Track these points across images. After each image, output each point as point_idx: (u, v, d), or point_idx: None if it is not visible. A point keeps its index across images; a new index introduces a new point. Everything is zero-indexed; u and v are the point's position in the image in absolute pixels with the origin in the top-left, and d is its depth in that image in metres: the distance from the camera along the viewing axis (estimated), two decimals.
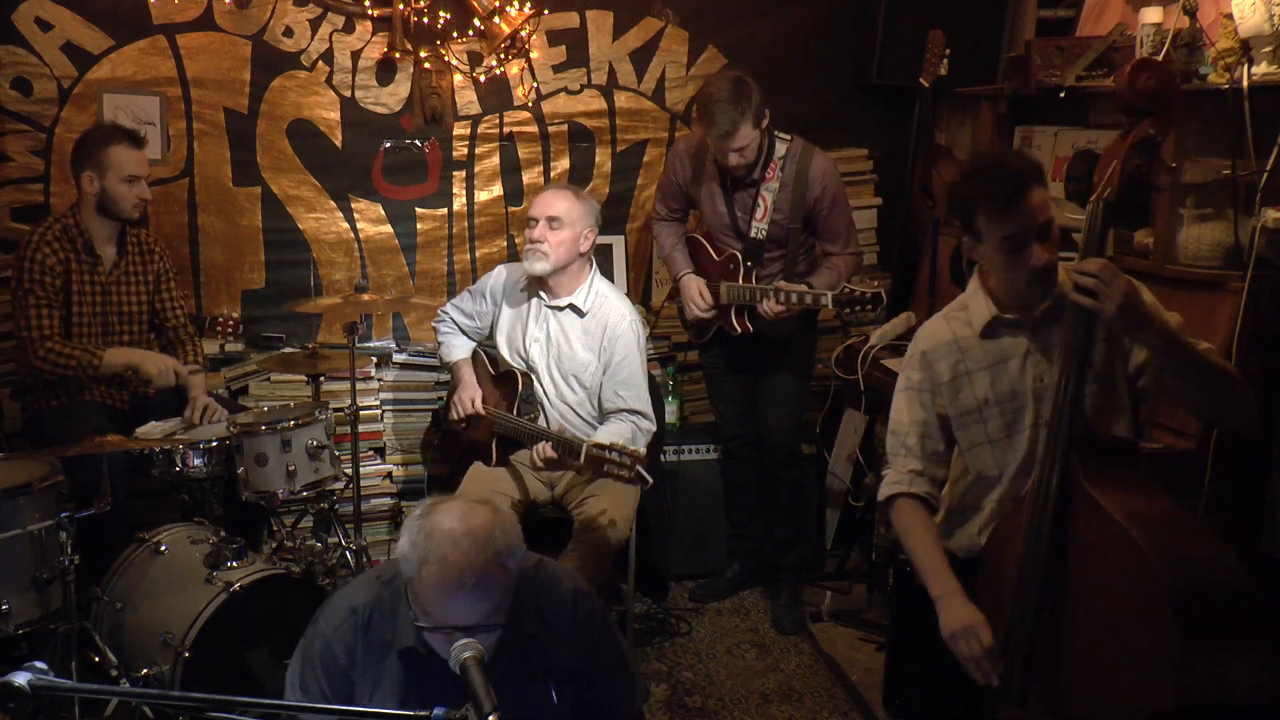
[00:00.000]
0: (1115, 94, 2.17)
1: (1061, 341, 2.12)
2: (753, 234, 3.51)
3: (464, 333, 3.55)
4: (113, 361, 3.31)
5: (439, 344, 3.60)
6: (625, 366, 3.27)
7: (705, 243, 3.68)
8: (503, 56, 4.03)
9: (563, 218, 3.21)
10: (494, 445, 3.34)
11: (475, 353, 3.54)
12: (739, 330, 3.52)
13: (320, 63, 3.96)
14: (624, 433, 3.20)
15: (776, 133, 3.49)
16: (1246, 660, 1.79)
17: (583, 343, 3.31)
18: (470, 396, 3.38)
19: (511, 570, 1.82)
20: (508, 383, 3.37)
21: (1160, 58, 3.08)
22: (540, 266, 3.24)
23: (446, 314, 3.57)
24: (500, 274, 3.50)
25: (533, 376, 3.36)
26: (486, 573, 1.75)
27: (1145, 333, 2.04)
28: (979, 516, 2.35)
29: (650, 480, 2.86)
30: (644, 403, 3.27)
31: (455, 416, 3.40)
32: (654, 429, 3.33)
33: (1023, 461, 2.26)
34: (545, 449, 3.07)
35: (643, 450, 2.93)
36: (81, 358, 3.26)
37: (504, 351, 3.44)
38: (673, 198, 3.77)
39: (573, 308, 3.31)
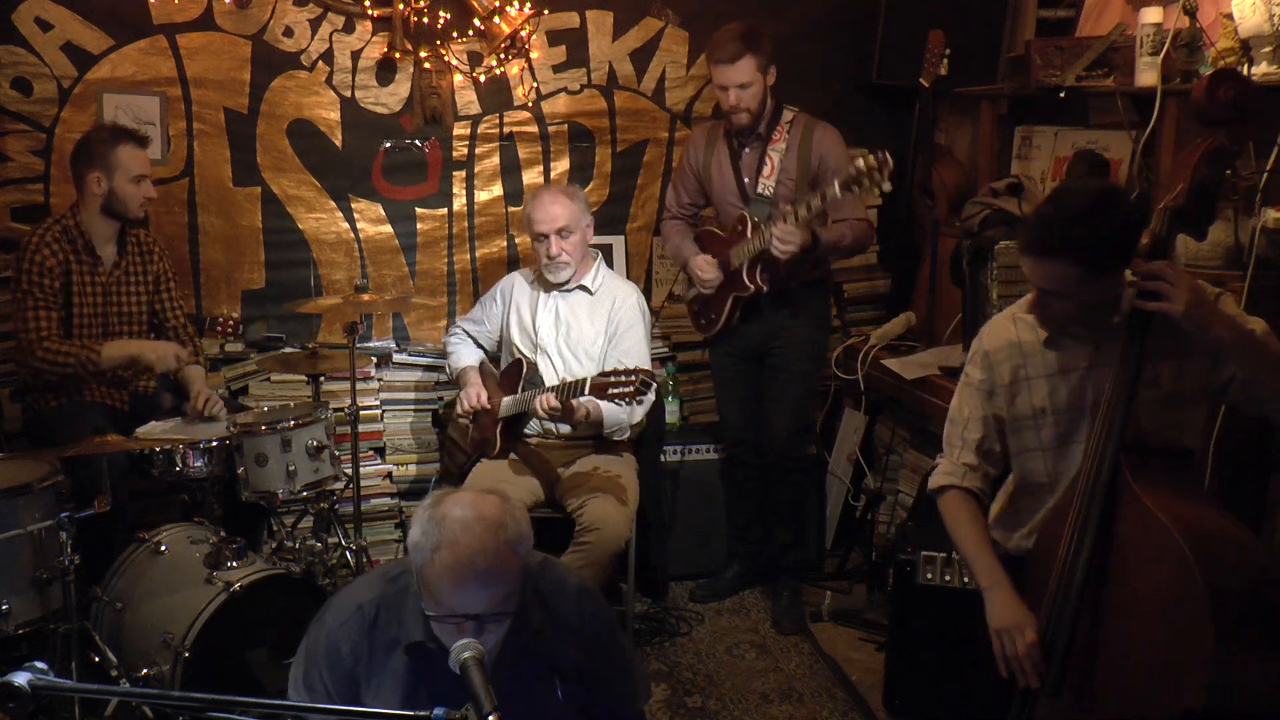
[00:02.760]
0: (1191, 104, 2.14)
1: (1119, 349, 2.09)
2: (760, 190, 3.50)
3: (474, 341, 3.64)
4: (111, 355, 3.31)
5: (449, 353, 3.65)
6: (629, 336, 3.39)
7: (715, 229, 3.68)
8: (503, 56, 4.03)
9: (570, 224, 3.34)
10: (498, 432, 3.36)
11: (482, 362, 3.58)
12: (751, 289, 3.47)
13: (320, 63, 3.95)
14: None
15: (785, 105, 3.53)
16: None
17: (590, 317, 3.43)
18: (475, 393, 3.42)
19: (522, 557, 1.82)
20: (512, 373, 3.44)
21: (1160, 58, 3.09)
22: (565, 274, 3.41)
23: (458, 328, 3.67)
24: (511, 277, 3.63)
25: (537, 361, 3.43)
26: (499, 558, 1.76)
27: (1216, 329, 2.00)
28: (1031, 520, 2.34)
29: (653, 384, 2.94)
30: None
31: (460, 410, 3.44)
32: (653, 396, 3.36)
33: (1078, 474, 2.22)
34: (549, 399, 3.13)
35: (646, 364, 3.10)
36: (80, 354, 3.26)
37: (515, 337, 3.51)
38: (685, 188, 3.78)
39: (582, 288, 3.46)
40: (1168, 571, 1.85)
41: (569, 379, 3.28)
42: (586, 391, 3.00)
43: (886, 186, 3.07)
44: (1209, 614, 1.76)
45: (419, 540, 1.78)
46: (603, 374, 2.99)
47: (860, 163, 3.07)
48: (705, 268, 3.59)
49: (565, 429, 3.38)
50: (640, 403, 3.03)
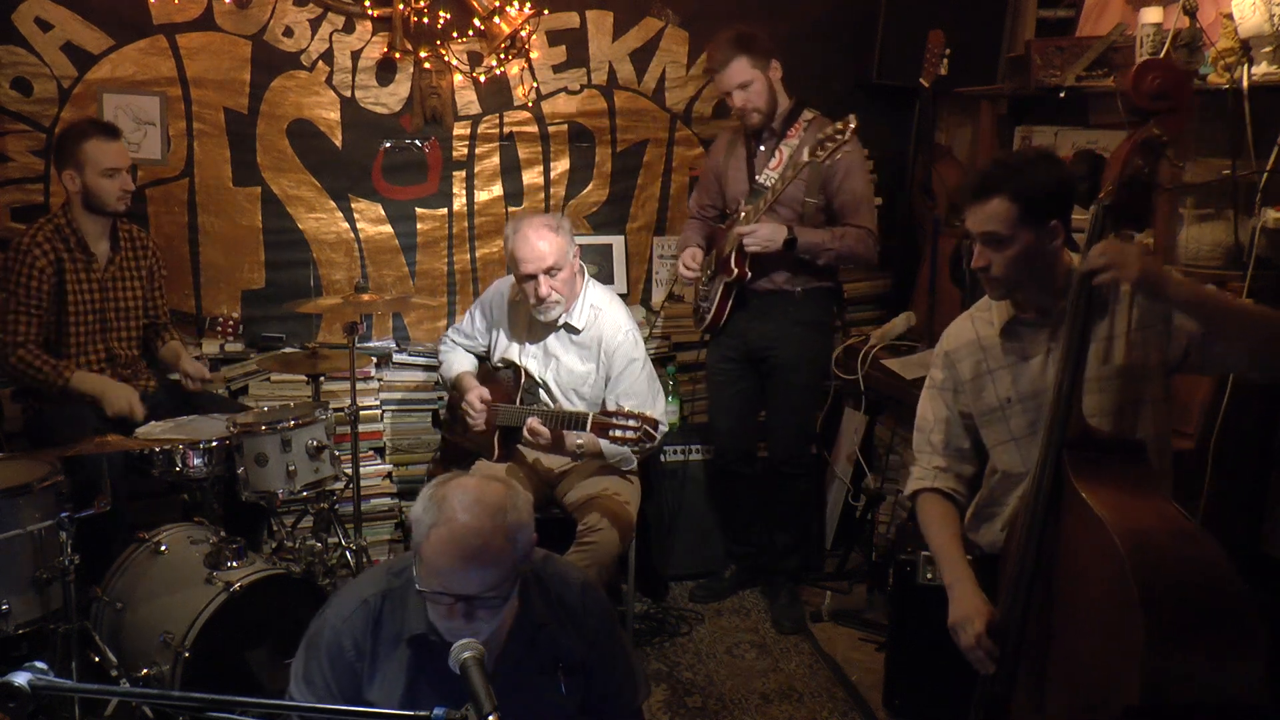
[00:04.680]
0: (1120, 94, 2.17)
1: (1061, 340, 2.11)
2: (762, 179, 3.51)
3: (467, 351, 3.60)
4: (79, 384, 3.29)
5: (440, 362, 3.63)
6: (626, 377, 3.26)
7: (723, 226, 3.68)
8: (503, 56, 4.03)
9: (558, 261, 3.14)
10: (495, 439, 3.35)
11: (478, 367, 3.56)
12: (735, 272, 3.48)
13: (320, 63, 3.95)
14: None
15: (806, 105, 3.55)
16: (1222, 662, 1.78)
17: (579, 357, 3.31)
18: (477, 395, 3.36)
19: (519, 546, 1.82)
20: (509, 377, 3.39)
21: (1160, 58, 3.09)
22: (555, 312, 3.24)
23: (448, 337, 3.62)
24: (497, 290, 3.50)
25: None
26: (493, 541, 1.76)
27: (1172, 290, 2.02)
28: (1003, 513, 2.37)
29: (657, 436, 2.91)
30: (649, 409, 3.25)
31: (472, 421, 3.36)
32: (664, 430, 3.30)
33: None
34: (535, 425, 3.10)
35: (649, 413, 2.97)
36: (50, 374, 3.25)
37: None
38: (705, 189, 3.79)
39: (567, 326, 3.29)
40: (1104, 568, 1.85)
41: (568, 408, 3.23)
42: (587, 428, 2.98)
43: (849, 148, 3.19)
44: (1139, 612, 1.75)
45: (419, 516, 1.81)
46: (606, 412, 2.97)
47: (828, 129, 3.16)
48: (689, 260, 3.64)
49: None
50: (641, 450, 3.01)
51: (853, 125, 3.14)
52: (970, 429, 2.38)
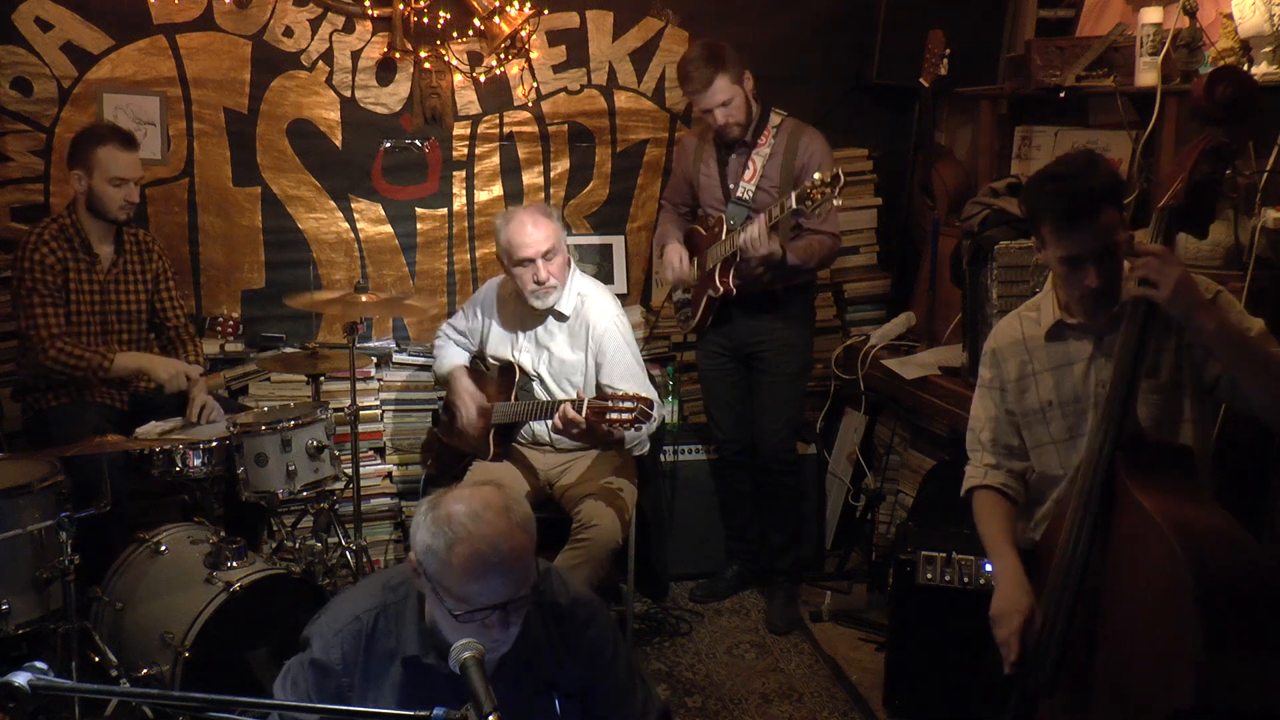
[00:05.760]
0: (1190, 102, 2.16)
1: (1118, 342, 2.10)
2: (739, 193, 3.52)
3: (459, 348, 3.61)
4: (123, 365, 3.31)
5: (435, 356, 3.64)
6: (618, 361, 3.29)
7: (700, 229, 3.70)
8: (503, 56, 4.03)
9: (555, 245, 3.19)
10: (490, 438, 3.35)
11: (471, 361, 3.56)
12: (720, 290, 3.49)
13: (320, 63, 3.95)
14: None
15: (773, 108, 3.55)
16: (1274, 667, 1.78)
17: (569, 344, 3.33)
18: (474, 400, 3.39)
19: (533, 536, 1.82)
20: (505, 375, 3.41)
21: (1160, 58, 3.09)
22: (554, 297, 3.26)
23: (444, 331, 3.64)
24: (488, 289, 3.54)
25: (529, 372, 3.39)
26: (515, 539, 1.76)
27: (1199, 320, 2.02)
28: (1038, 511, 2.38)
29: (651, 414, 2.90)
30: (644, 389, 3.26)
31: (463, 420, 3.39)
32: (662, 411, 3.38)
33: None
34: (568, 411, 3.01)
35: (644, 393, 2.98)
36: (91, 359, 3.26)
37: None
38: (676, 192, 3.82)
39: (555, 314, 3.31)
40: (1160, 570, 1.86)
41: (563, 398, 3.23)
42: (582, 413, 2.97)
43: (837, 202, 3.12)
44: (1198, 614, 1.76)
45: (431, 543, 1.76)
46: (600, 398, 2.97)
47: (816, 177, 3.10)
48: (674, 257, 3.63)
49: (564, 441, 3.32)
50: (638, 429, 3.02)
51: (841, 182, 3.06)
52: (1017, 426, 2.39)
